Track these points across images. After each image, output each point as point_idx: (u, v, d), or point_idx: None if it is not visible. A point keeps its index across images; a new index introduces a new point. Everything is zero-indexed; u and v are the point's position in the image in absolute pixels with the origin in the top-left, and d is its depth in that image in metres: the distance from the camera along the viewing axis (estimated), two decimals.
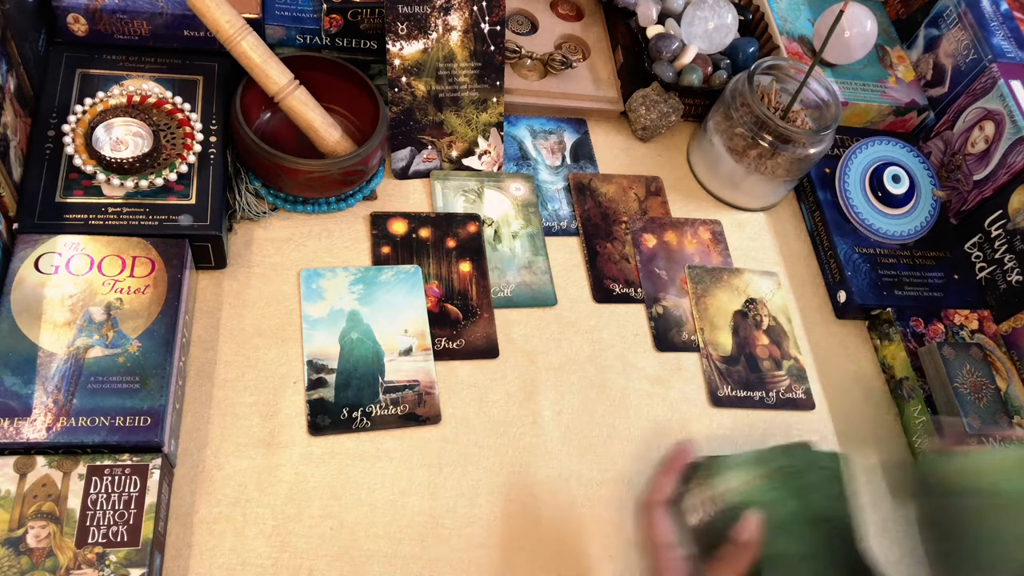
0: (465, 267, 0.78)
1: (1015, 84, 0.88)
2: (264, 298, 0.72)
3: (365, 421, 0.68)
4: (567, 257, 0.83)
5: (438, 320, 0.75)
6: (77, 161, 0.66)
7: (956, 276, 0.90)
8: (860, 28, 0.94)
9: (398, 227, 0.79)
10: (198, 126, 0.71)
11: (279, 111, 0.75)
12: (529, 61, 0.92)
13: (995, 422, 0.77)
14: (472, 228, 0.81)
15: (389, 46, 0.79)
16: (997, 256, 0.88)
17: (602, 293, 0.81)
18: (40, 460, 0.56)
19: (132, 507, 0.56)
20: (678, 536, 0.57)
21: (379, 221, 0.79)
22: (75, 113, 0.69)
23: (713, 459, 0.59)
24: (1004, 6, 0.96)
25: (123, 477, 0.57)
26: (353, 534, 0.64)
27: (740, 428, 0.77)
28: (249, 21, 0.73)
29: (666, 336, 0.81)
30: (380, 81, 0.83)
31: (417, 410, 0.70)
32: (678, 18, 0.94)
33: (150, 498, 0.56)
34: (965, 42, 0.95)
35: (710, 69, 0.92)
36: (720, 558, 0.53)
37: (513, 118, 0.91)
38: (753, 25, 1.00)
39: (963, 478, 0.53)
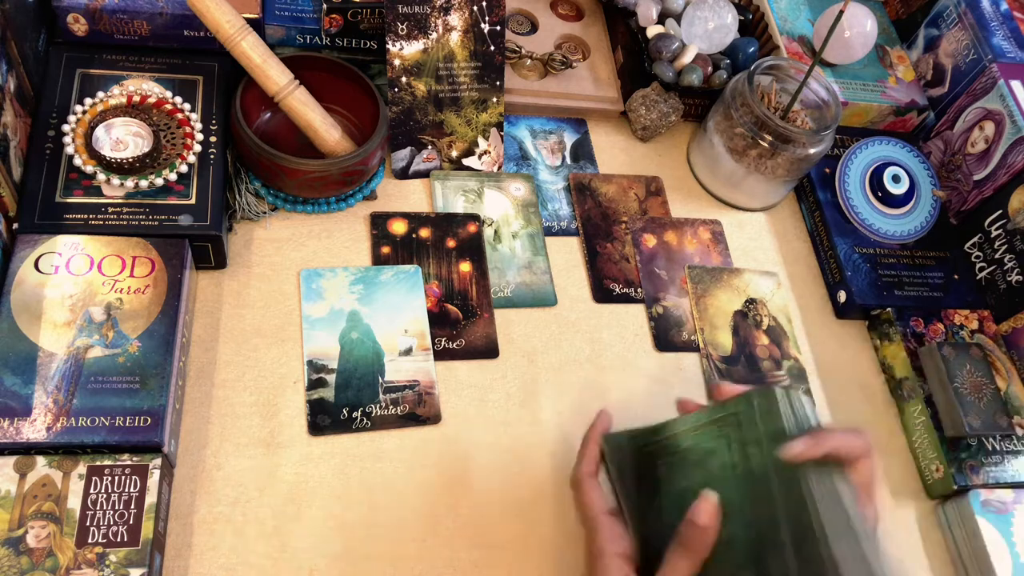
0: (465, 267, 0.78)
1: (1015, 84, 0.88)
2: (264, 298, 0.72)
3: (365, 421, 0.68)
4: (567, 257, 0.83)
5: (438, 320, 0.75)
6: (77, 161, 0.66)
7: (956, 276, 0.90)
8: (860, 28, 0.94)
9: (398, 227, 0.79)
10: (198, 126, 0.71)
11: (279, 111, 0.75)
12: (529, 61, 0.92)
13: (995, 422, 0.77)
14: (472, 228, 0.81)
15: (389, 46, 0.79)
16: (997, 256, 0.88)
17: (602, 293, 0.81)
18: (40, 460, 0.56)
19: (132, 507, 0.56)
20: (611, 502, 0.58)
21: (379, 221, 0.79)
22: (75, 113, 0.69)
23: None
24: (1004, 6, 0.96)
25: (123, 477, 0.57)
26: (353, 534, 0.64)
27: None
28: (249, 21, 0.73)
29: (666, 336, 0.80)
30: (380, 81, 0.83)
31: (417, 410, 0.70)
32: (678, 18, 0.94)
33: (150, 498, 0.56)
34: (965, 42, 0.95)
35: (710, 69, 0.92)
36: (680, 542, 0.51)
37: (513, 118, 0.91)
38: (753, 25, 1.00)
39: (664, 441, 0.59)
